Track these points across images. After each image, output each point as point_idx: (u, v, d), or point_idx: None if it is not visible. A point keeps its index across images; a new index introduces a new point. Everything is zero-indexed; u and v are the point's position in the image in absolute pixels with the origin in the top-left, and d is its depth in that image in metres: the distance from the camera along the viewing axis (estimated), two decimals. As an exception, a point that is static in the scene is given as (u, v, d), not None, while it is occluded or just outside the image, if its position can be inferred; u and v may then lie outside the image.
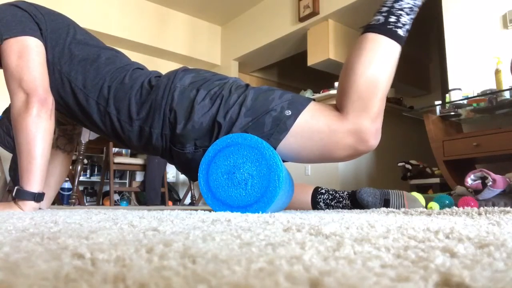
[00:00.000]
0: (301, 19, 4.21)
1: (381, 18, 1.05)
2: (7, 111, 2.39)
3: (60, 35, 1.16)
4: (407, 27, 1.06)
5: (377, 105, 1.01)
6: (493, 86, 2.44)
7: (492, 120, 2.63)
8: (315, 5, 4.05)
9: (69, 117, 1.24)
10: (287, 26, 4.42)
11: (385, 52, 1.03)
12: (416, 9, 1.06)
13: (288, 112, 1.02)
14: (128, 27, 4.57)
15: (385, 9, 1.06)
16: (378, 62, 1.02)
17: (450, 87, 2.75)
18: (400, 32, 1.04)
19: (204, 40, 5.30)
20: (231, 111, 1.03)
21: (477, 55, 2.75)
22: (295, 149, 1.04)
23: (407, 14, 1.05)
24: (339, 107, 1.05)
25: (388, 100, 3.73)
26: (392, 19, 1.04)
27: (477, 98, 2.42)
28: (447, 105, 2.57)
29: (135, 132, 1.12)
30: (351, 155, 1.04)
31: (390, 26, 1.04)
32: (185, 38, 5.10)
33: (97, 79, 1.13)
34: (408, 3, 1.05)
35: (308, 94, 4.48)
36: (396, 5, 1.05)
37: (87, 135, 2.79)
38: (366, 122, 1.00)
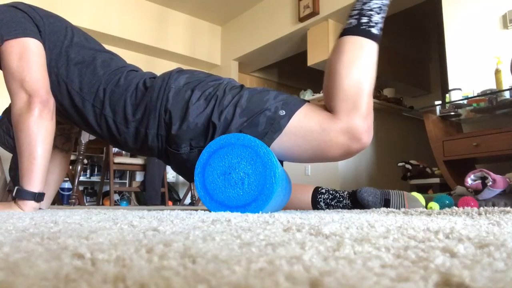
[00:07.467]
0: (301, 19, 4.21)
1: (353, 21, 1.09)
2: (7, 111, 2.39)
3: (58, 38, 1.16)
4: (380, 25, 1.09)
5: (366, 102, 1.03)
6: (493, 86, 2.44)
7: (492, 120, 2.63)
8: (315, 5, 4.05)
9: (65, 118, 1.24)
10: (287, 26, 4.42)
11: (364, 52, 1.05)
12: (385, 7, 1.09)
13: (282, 112, 1.03)
14: (128, 27, 4.57)
15: (355, 12, 1.09)
16: (359, 62, 1.04)
17: (450, 87, 2.75)
18: (374, 30, 1.07)
19: (204, 40, 5.29)
20: (226, 112, 1.04)
21: (477, 55, 2.75)
22: (289, 148, 1.05)
23: (377, 13, 1.08)
24: (329, 108, 1.06)
25: (388, 100, 3.73)
26: (364, 20, 1.07)
27: (477, 98, 2.42)
28: (447, 105, 2.57)
29: (131, 133, 1.12)
30: (345, 154, 1.04)
31: (364, 27, 1.07)
32: (185, 38, 5.09)
33: (92, 82, 1.13)
34: (376, 3, 1.08)
35: (308, 94, 4.48)
36: (365, 7, 1.08)
37: (87, 135, 2.79)
38: (358, 120, 1.01)
